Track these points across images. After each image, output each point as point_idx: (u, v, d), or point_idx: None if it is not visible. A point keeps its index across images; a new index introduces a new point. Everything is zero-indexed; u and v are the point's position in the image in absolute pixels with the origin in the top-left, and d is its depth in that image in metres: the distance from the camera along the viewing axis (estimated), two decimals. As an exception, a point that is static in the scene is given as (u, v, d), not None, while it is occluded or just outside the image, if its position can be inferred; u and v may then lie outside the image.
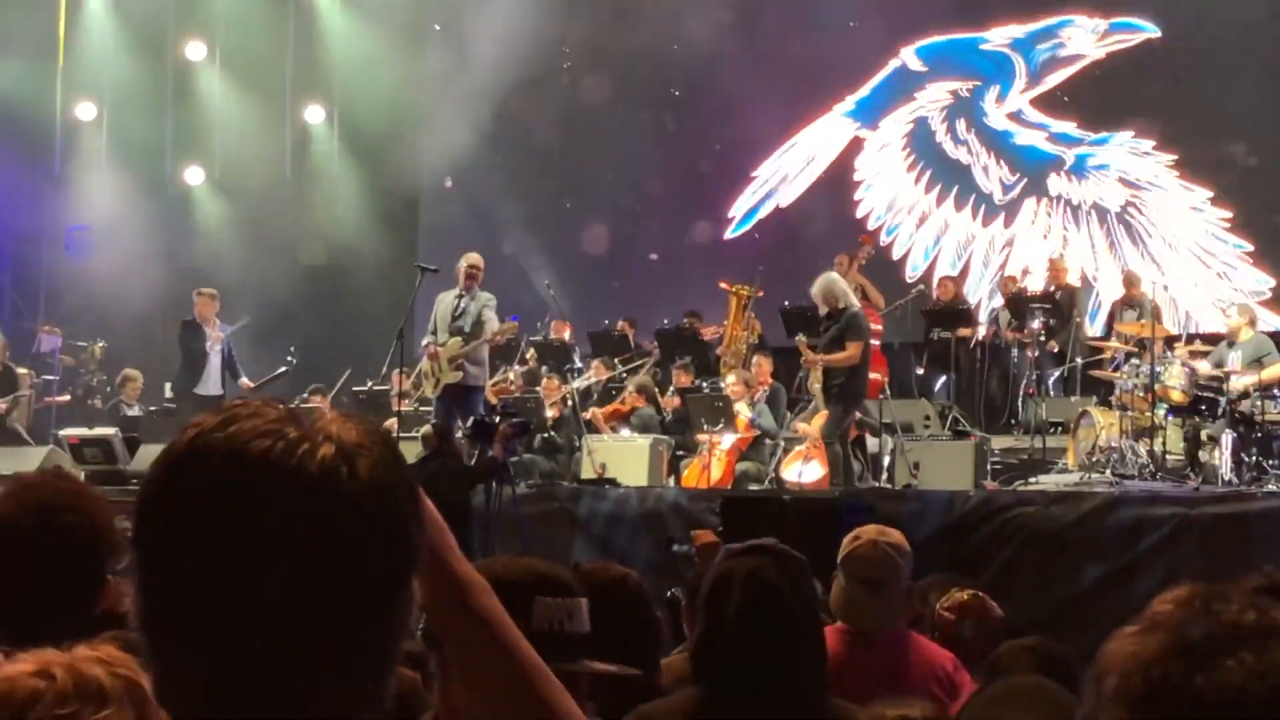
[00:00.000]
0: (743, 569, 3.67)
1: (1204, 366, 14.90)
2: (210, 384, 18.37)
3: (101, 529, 3.30)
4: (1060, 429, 16.32)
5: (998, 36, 21.80)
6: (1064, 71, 21.42)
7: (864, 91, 22.72)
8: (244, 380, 18.72)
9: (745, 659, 3.56)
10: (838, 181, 22.84)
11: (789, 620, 3.61)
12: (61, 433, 17.55)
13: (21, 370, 19.93)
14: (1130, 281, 17.93)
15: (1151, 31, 21.08)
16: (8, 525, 3.29)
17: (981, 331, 18.74)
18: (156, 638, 1.60)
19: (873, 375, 17.07)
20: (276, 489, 1.56)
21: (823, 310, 15.12)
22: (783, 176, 23.06)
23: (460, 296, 15.76)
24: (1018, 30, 21.71)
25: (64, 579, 3.26)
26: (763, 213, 23.23)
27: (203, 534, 1.55)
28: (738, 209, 23.31)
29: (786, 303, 17.92)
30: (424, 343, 15.99)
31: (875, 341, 17.77)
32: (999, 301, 19.27)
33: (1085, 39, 21.29)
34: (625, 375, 19.15)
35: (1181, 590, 1.68)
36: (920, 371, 19.00)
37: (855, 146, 22.87)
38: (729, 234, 23.34)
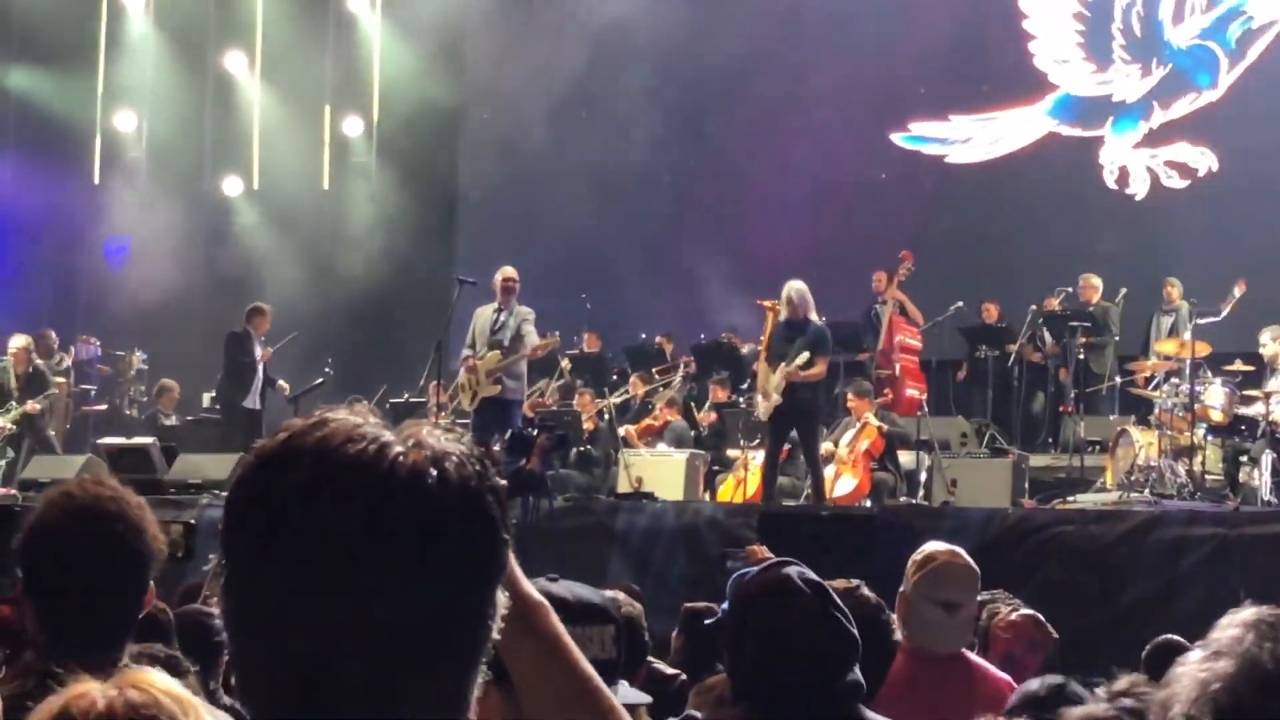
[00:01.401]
0: (794, 589, 3.62)
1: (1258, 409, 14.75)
2: (254, 397, 18.46)
3: (145, 534, 3.31)
4: (1098, 448, 16.22)
5: (1186, 33, 21.50)
6: (1263, 40, 21.10)
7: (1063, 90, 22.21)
8: (281, 382, 18.80)
9: (804, 678, 3.52)
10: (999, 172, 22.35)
11: (847, 638, 3.58)
12: (99, 441, 17.62)
13: (59, 379, 20.03)
14: (1170, 285, 17.88)
15: None
16: (53, 532, 3.30)
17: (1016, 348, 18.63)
18: (243, 638, 1.62)
19: (910, 392, 17.03)
20: (368, 491, 1.57)
21: (785, 314, 14.83)
22: (967, 137, 22.61)
23: (499, 310, 15.76)
24: (1204, 19, 21.42)
25: (110, 585, 3.27)
26: (927, 149, 22.73)
27: (293, 535, 1.57)
28: (918, 128, 22.82)
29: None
30: (462, 355, 15.96)
31: (914, 358, 17.73)
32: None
33: (1273, 3, 21.01)
34: (662, 389, 19.14)
35: (1246, 614, 1.65)
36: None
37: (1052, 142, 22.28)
38: (899, 139, 22.87)
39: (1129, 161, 21.56)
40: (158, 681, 1.68)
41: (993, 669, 5.41)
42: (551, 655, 2.02)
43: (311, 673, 1.57)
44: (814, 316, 14.77)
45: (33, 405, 18.03)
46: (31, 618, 3.36)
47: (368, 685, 1.57)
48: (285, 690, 1.58)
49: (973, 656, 5.42)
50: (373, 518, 1.56)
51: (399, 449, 1.60)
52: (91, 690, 1.68)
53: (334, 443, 1.60)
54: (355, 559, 1.55)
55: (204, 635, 5.34)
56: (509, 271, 16.02)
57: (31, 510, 3.42)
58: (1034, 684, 4.47)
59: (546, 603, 2.02)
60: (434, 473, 1.59)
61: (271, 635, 1.58)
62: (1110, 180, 21.66)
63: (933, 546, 5.54)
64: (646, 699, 3.24)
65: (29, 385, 18.31)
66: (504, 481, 1.69)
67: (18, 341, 18.59)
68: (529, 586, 2.00)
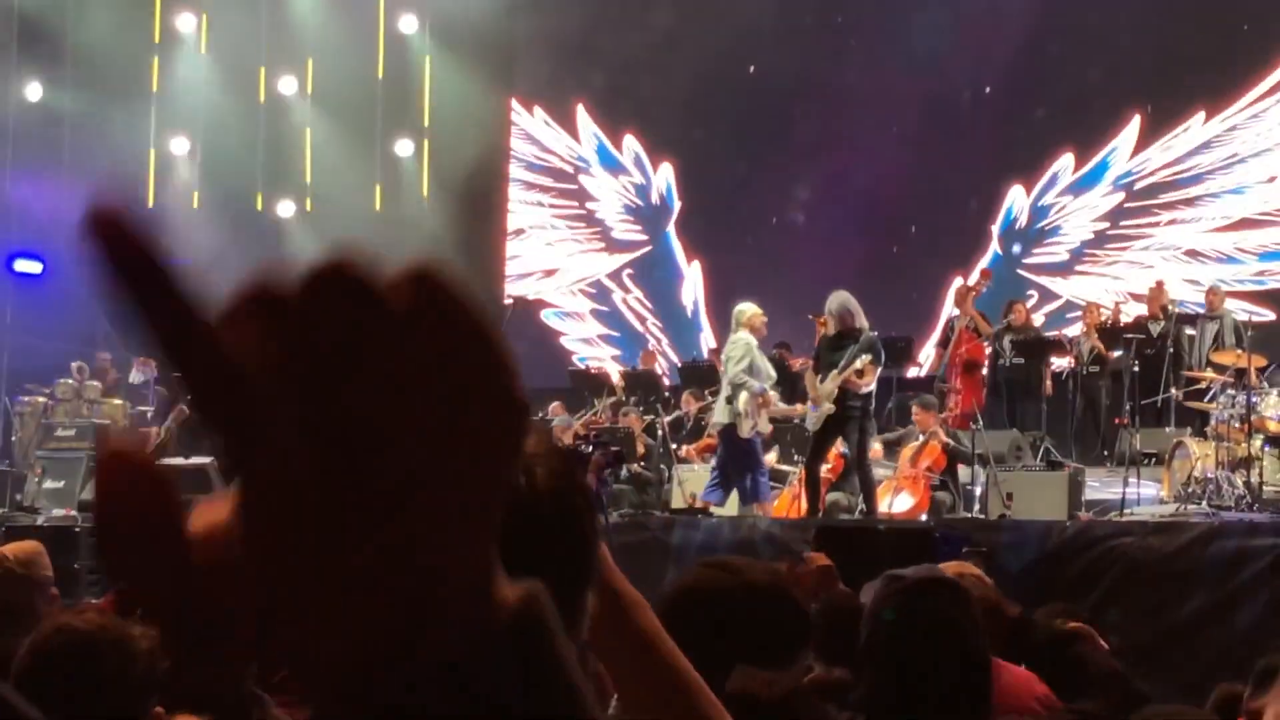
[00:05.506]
0: (927, 607, 3.59)
1: None
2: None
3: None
4: (1154, 460, 16.08)
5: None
6: None
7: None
8: None
9: (927, 694, 3.50)
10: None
11: (974, 656, 3.56)
12: (158, 463, 17.72)
13: (115, 400, 20.23)
14: (1213, 292, 17.83)
15: None
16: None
17: (1068, 362, 18.53)
18: None
19: (967, 407, 16.98)
20: None
21: (834, 328, 14.63)
22: None
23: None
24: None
25: None
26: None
27: None
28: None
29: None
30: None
31: (973, 374, 17.66)
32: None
33: None
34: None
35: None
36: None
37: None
38: None
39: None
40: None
41: (1021, 671, 5.39)
42: (647, 653, 2.01)
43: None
44: (863, 323, 14.58)
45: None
46: None
47: None
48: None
49: (1003, 663, 5.41)
50: None
51: None
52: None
53: None
54: None
55: None
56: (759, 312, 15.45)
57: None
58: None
59: (643, 599, 2.02)
60: (522, 478, 1.59)
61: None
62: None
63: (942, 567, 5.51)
64: None
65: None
66: None
67: None
68: (626, 582, 2.00)
